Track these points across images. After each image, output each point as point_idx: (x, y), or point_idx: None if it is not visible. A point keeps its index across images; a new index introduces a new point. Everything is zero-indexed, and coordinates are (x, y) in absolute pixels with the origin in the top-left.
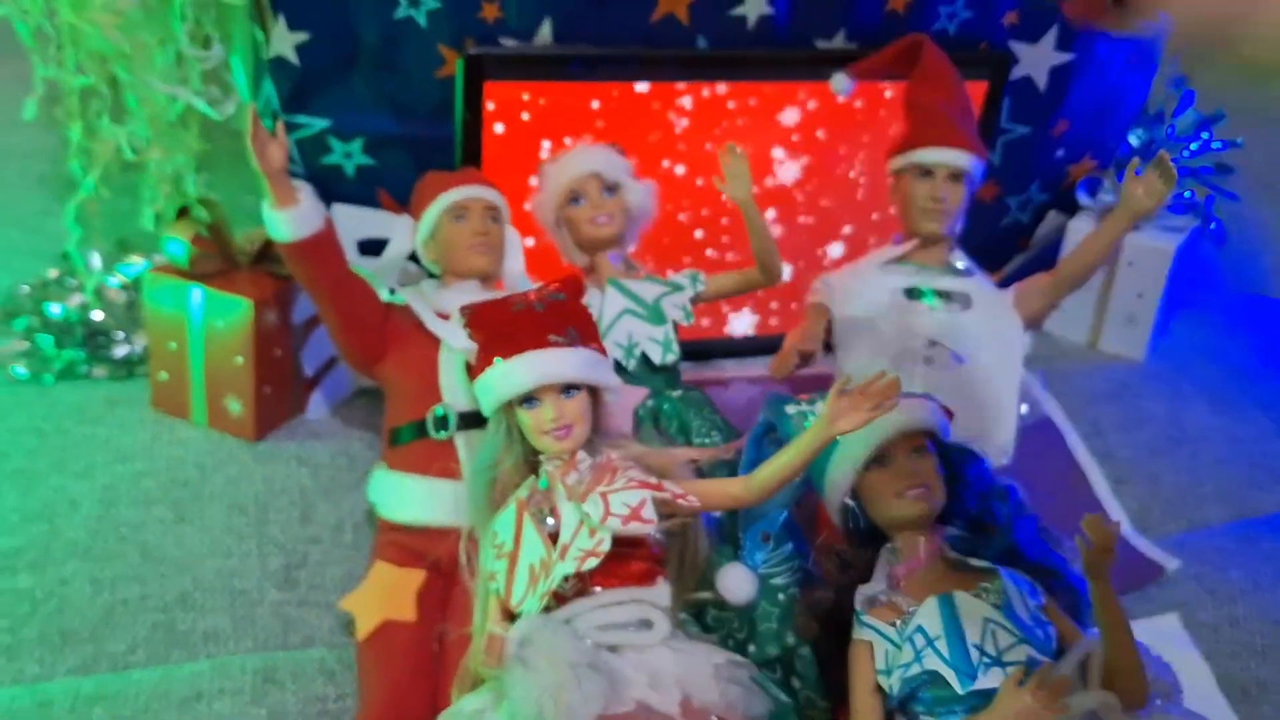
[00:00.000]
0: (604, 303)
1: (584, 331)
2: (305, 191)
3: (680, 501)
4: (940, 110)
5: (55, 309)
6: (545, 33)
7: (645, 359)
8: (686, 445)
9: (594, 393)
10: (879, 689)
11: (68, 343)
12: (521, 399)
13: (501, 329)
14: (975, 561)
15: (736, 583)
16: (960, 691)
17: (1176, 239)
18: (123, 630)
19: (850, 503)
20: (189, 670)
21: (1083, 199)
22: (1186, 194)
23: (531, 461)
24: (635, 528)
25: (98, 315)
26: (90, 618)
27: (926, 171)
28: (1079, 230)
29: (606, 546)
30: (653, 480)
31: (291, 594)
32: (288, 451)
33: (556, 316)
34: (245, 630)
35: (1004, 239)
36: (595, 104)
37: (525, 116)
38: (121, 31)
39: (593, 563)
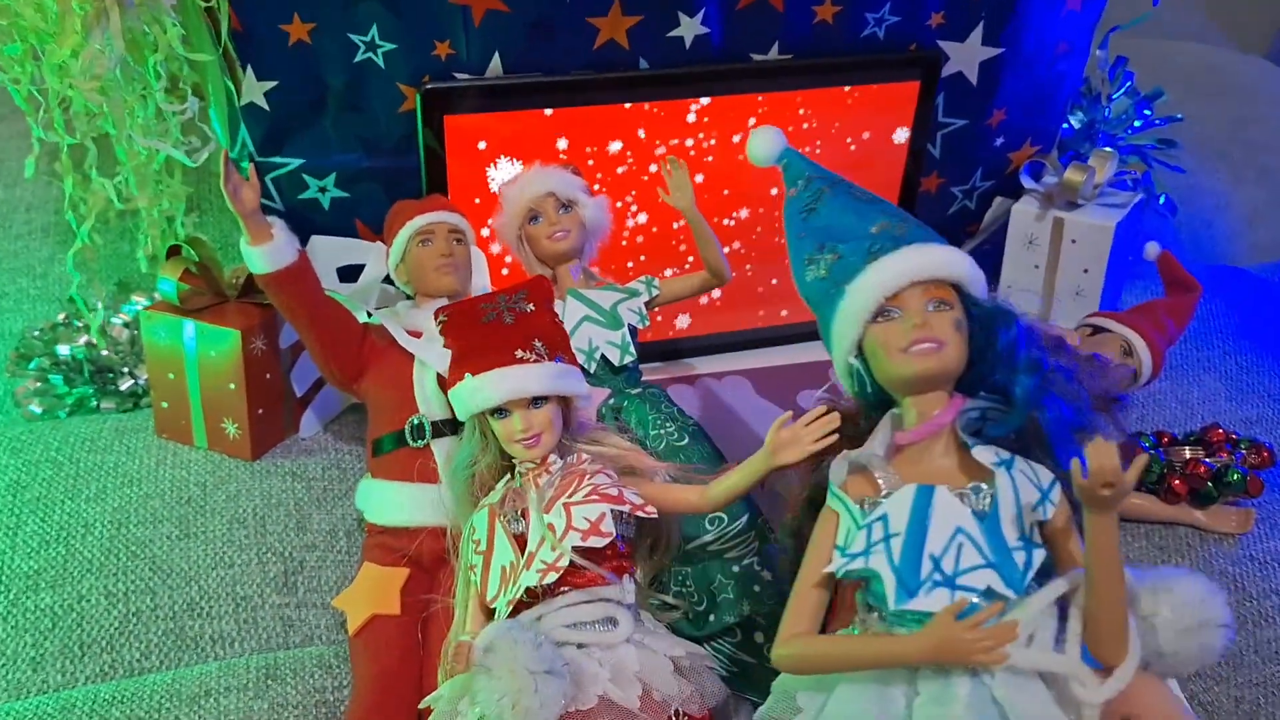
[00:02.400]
0: (565, 312)
1: (551, 343)
2: (279, 227)
3: (638, 513)
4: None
5: (64, 349)
6: (496, 65)
7: (605, 361)
8: (645, 437)
9: (565, 398)
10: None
11: (77, 380)
12: (492, 410)
13: (472, 342)
14: (980, 452)
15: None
16: (891, 606)
17: (1118, 215)
18: (137, 638)
19: (854, 362)
20: (198, 671)
21: (1027, 182)
22: (1129, 174)
23: (507, 461)
24: (594, 541)
25: (104, 353)
26: (107, 628)
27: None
28: (1022, 214)
29: (565, 562)
30: (614, 491)
31: (291, 597)
32: (283, 468)
33: (524, 330)
34: (249, 632)
35: (953, 226)
36: (550, 128)
37: (483, 145)
38: (102, 93)
39: (552, 576)
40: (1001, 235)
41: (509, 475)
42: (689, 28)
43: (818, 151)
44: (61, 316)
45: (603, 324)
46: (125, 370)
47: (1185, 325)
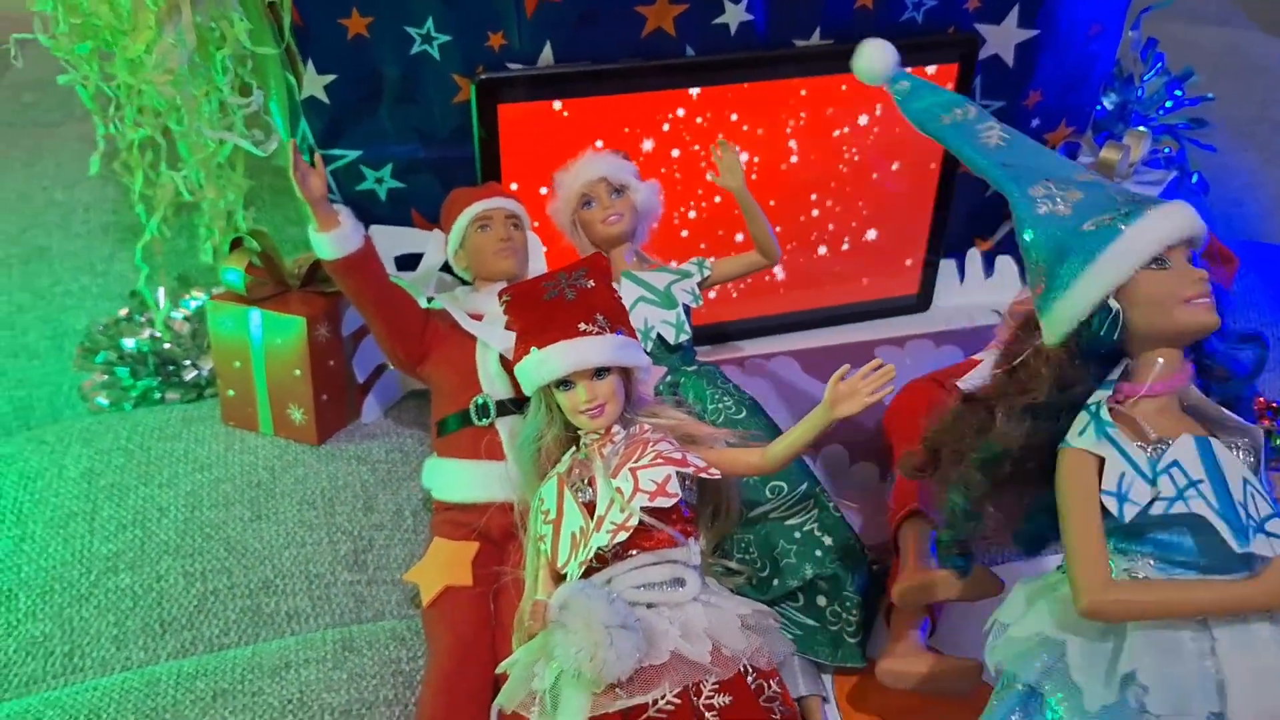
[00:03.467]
0: (620, 293)
1: (613, 316)
2: (345, 214)
3: (702, 475)
4: None
5: (129, 343)
6: (547, 55)
7: (661, 340)
8: (703, 411)
9: (626, 371)
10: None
11: (142, 373)
12: (557, 382)
13: (536, 319)
14: (1230, 414)
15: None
16: (1237, 549)
17: (1154, 192)
18: (215, 616)
19: (1114, 304)
20: (277, 645)
21: None
22: (1164, 150)
23: (571, 433)
24: (660, 502)
25: (168, 345)
26: (186, 607)
27: None
28: None
29: (635, 521)
30: (677, 455)
31: (361, 575)
32: (348, 452)
33: (585, 305)
34: (323, 609)
35: (991, 207)
36: (601, 114)
37: (538, 131)
38: (173, 87)
39: (623, 536)
40: None
41: (574, 447)
42: (734, 15)
43: (856, 133)
44: (124, 311)
45: (658, 304)
46: (188, 362)
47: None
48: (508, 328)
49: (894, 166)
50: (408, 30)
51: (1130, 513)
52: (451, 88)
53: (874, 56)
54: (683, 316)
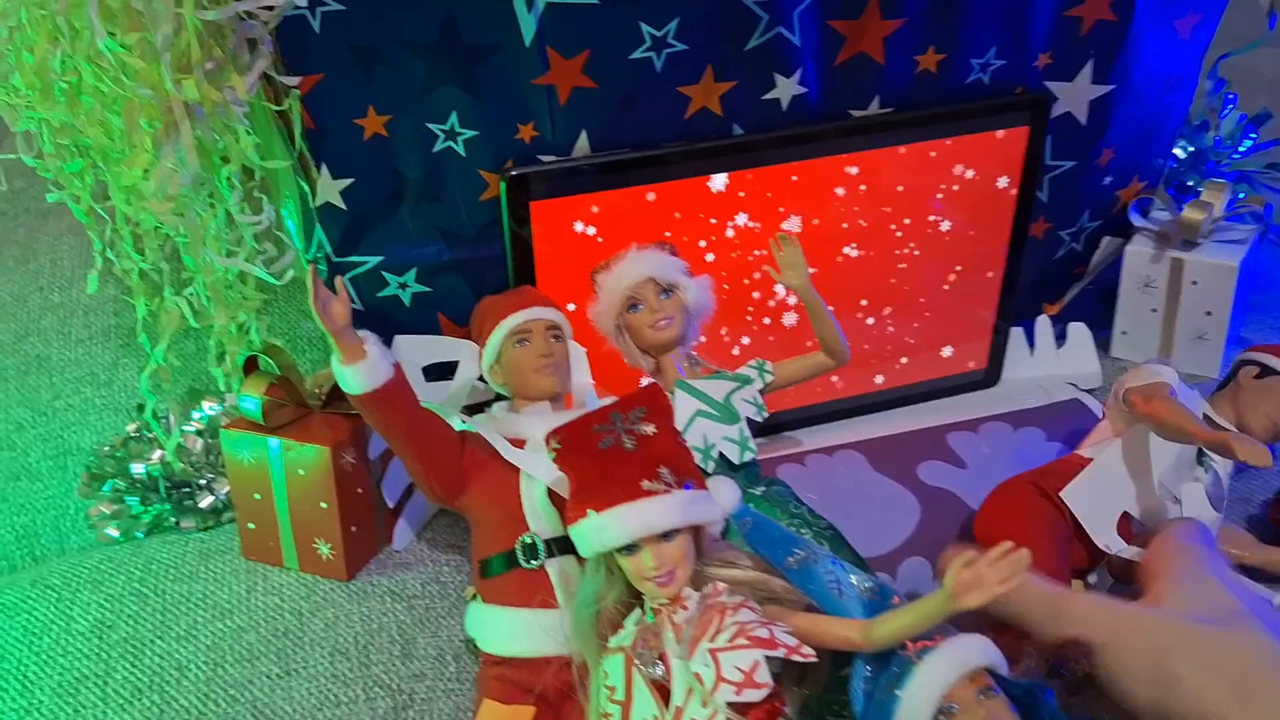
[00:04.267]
0: (675, 407)
1: (678, 467)
2: (371, 341)
3: (795, 657)
4: None
5: (139, 469)
6: (583, 144)
7: (724, 459)
8: None
9: (695, 526)
10: None
11: (153, 499)
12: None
13: (592, 474)
14: None
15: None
16: None
17: (1240, 252)
18: None
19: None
20: None
21: (1137, 220)
22: (1240, 195)
23: (635, 594)
24: (749, 695)
25: (180, 466)
26: None
27: None
28: (1137, 256)
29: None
30: (764, 633)
31: None
32: (381, 587)
33: (647, 456)
34: None
35: (1060, 270)
36: (647, 199)
37: (577, 227)
38: (177, 214)
39: None
40: (1109, 275)
41: (638, 609)
42: (786, 88)
43: (915, 202)
44: (132, 428)
45: (717, 418)
46: (202, 484)
47: None
48: (561, 474)
49: (945, 226)
50: (429, 127)
51: None
52: (479, 184)
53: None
54: (746, 431)
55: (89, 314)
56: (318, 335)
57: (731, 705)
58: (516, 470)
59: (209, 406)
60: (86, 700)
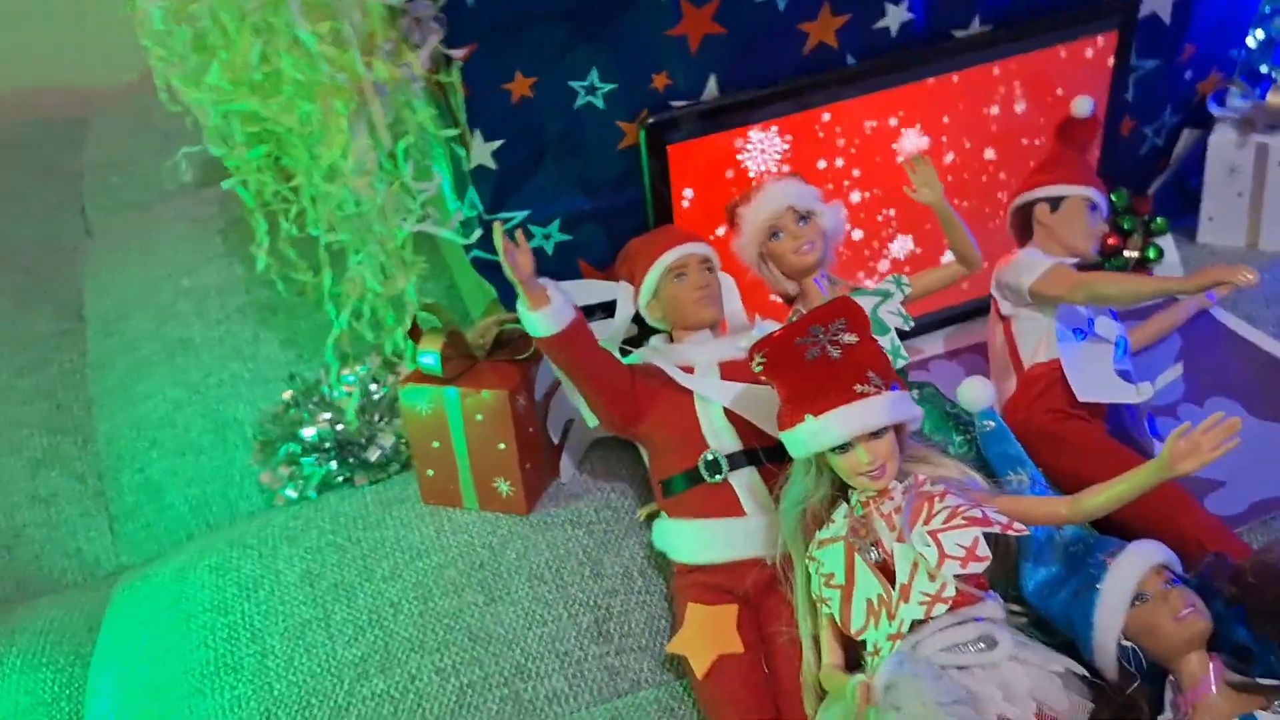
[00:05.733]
0: None
1: (882, 371)
2: (553, 289)
3: (1009, 532)
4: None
5: (309, 432)
6: (712, 87)
7: None
8: (943, 444)
9: (899, 425)
10: None
11: (323, 460)
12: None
13: (805, 383)
14: (1266, 681)
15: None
16: None
17: None
18: (477, 710)
19: (1127, 644)
20: None
21: (1217, 111)
22: None
23: (839, 491)
24: (973, 567)
25: (339, 427)
26: (446, 704)
27: (1094, 206)
28: (1222, 144)
29: (951, 592)
30: (978, 513)
31: (608, 646)
32: (559, 518)
33: (854, 363)
34: (580, 687)
35: (1144, 165)
36: (771, 140)
37: (712, 166)
38: (373, 186)
39: (940, 609)
40: (1188, 166)
41: (844, 504)
42: (895, 16)
43: (1020, 119)
44: (286, 395)
45: None
46: (364, 441)
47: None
48: (770, 386)
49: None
50: (571, 85)
51: None
52: (616, 135)
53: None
54: (897, 340)
55: (221, 295)
56: (441, 292)
57: (958, 577)
58: (688, 395)
59: (353, 371)
60: (314, 641)
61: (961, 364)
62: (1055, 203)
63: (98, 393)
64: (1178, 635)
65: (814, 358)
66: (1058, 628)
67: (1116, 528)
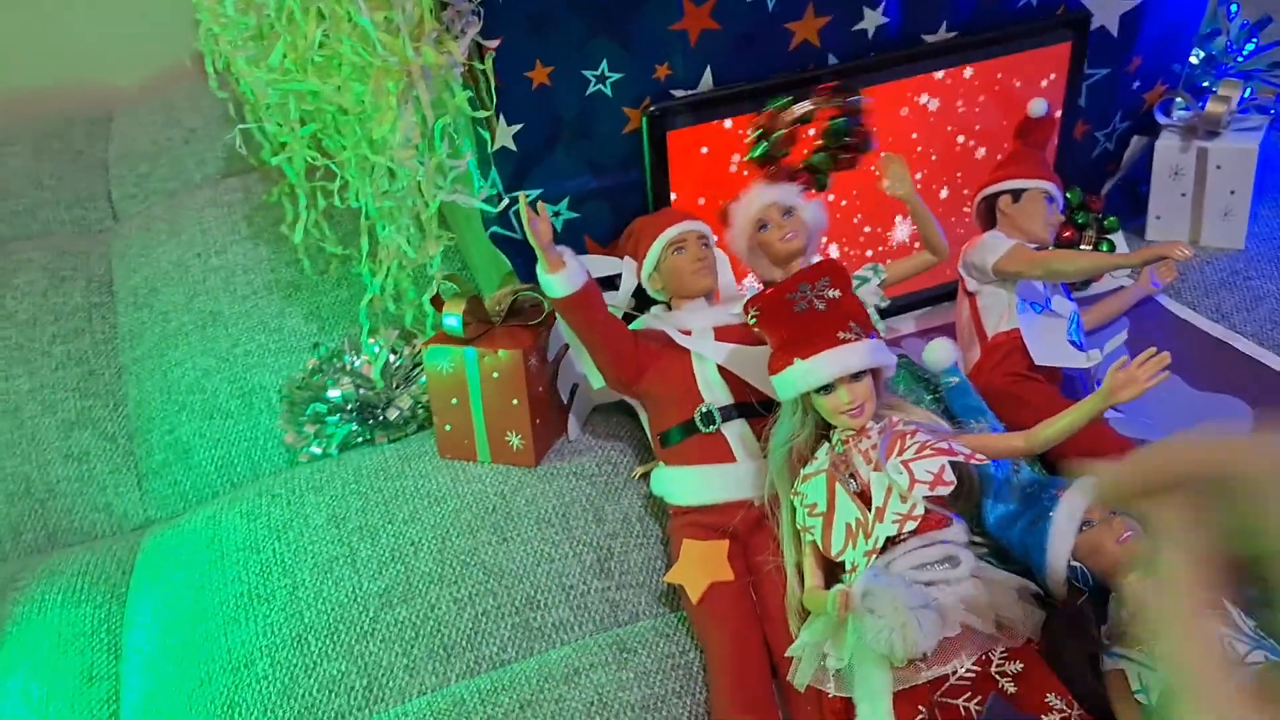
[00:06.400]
0: None
1: (862, 322)
2: (568, 255)
3: (971, 461)
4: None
5: (335, 393)
6: (707, 79)
7: None
8: (916, 403)
9: (875, 370)
10: (1137, 703)
11: (347, 419)
12: (818, 388)
13: (796, 331)
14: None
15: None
16: None
17: (1257, 137)
18: (491, 636)
19: (1076, 564)
20: (556, 655)
21: (1161, 118)
22: (1247, 92)
23: (822, 431)
24: (940, 490)
25: (361, 390)
26: (463, 630)
27: (1051, 199)
28: (1167, 149)
29: (920, 510)
30: (944, 445)
31: (610, 581)
32: (565, 470)
33: (838, 314)
34: (584, 617)
35: (1096, 167)
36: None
37: (704, 151)
38: (417, 161)
39: (910, 525)
40: (1135, 170)
41: (826, 444)
42: (871, 19)
43: (978, 126)
44: (311, 363)
45: None
46: (383, 403)
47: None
48: (762, 336)
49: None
50: (584, 74)
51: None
52: (621, 120)
53: (942, 350)
54: (876, 316)
55: (248, 273)
56: (455, 270)
57: (927, 499)
58: (686, 354)
59: (376, 339)
60: (341, 575)
61: (928, 341)
62: (1017, 195)
63: (128, 361)
64: (1120, 555)
65: (802, 310)
66: (1015, 556)
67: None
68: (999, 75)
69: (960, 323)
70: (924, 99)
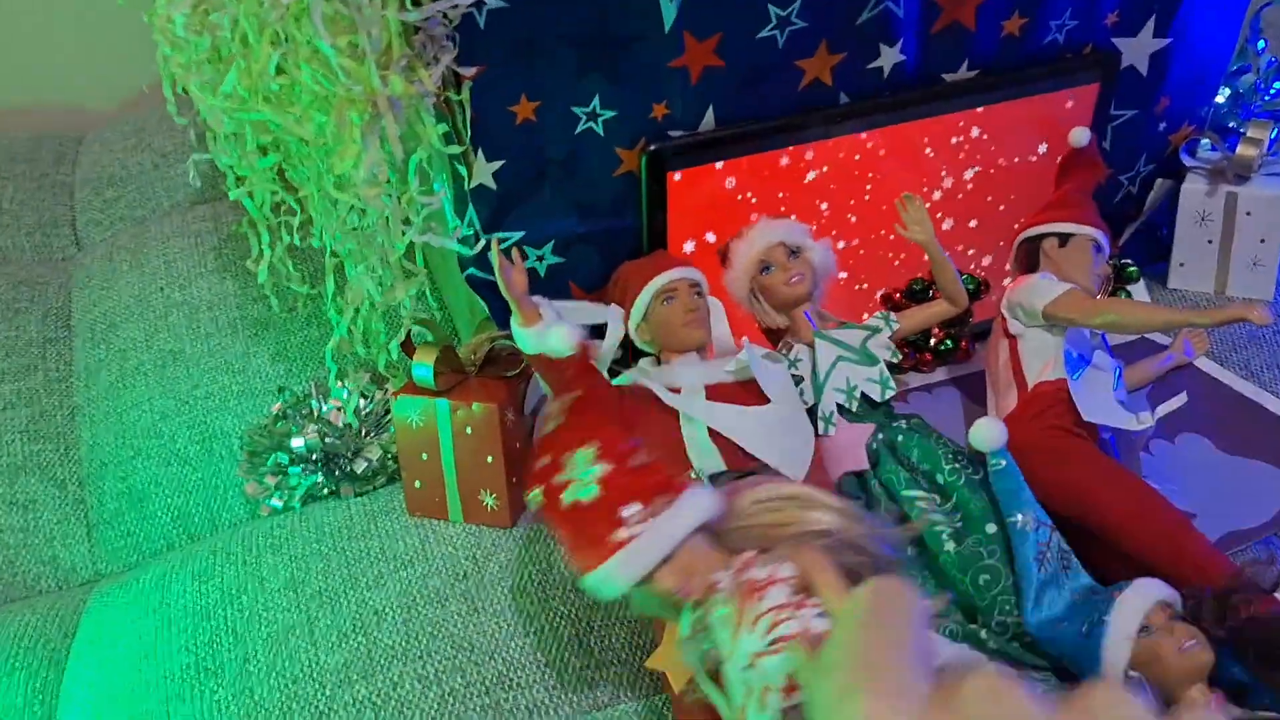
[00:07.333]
0: (817, 356)
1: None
2: (545, 306)
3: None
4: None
5: (298, 442)
6: (709, 119)
7: (866, 398)
8: (935, 470)
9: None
10: None
11: (310, 470)
12: None
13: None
14: (1263, 715)
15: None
16: None
17: None
18: (459, 718)
19: (1134, 674)
20: None
21: (1187, 160)
22: (1274, 133)
23: None
24: (796, 698)
25: (327, 439)
26: (428, 711)
27: (1099, 248)
28: (1193, 192)
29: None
30: (794, 626)
31: (589, 659)
32: (542, 532)
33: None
34: (560, 698)
35: (1118, 212)
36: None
37: (707, 194)
38: (383, 197)
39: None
40: (1157, 214)
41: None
42: (888, 57)
43: (1000, 163)
44: (276, 407)
45: (858, 361)
46: (350, 453)
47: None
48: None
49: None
50: (574, 110)
51: None
52: (613, 161)
53: (989, 430)
54: (885, 371)
55: (213, 309)
56: (429, 314)
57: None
58: (674, 415)
59: (346, 385)
60: (297, 646)
61: (937, 397)
62: (1064, 239)
63: (82, 401)
64: (1181, 666)
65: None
66: (1063, 659)
67: (1121, 559)
68: (1021, 116)
69: (995, 365)
70: (936, 141)
